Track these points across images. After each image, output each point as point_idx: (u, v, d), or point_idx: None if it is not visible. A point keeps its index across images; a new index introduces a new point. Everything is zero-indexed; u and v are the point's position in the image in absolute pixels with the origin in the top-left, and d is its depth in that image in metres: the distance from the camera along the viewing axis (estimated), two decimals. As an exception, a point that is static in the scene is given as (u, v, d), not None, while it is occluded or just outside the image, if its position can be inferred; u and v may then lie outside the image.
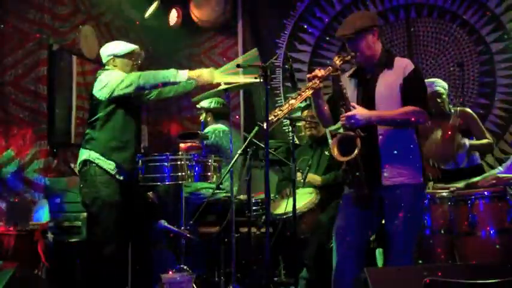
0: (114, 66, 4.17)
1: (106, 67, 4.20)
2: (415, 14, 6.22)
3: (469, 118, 4.61)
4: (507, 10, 5.83)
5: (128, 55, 4.21)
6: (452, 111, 4.63)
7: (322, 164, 4.70)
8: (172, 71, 3.99)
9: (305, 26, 6.66)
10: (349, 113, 3.08)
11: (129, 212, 4.08)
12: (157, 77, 3.97)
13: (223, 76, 4.09)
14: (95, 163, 3.97)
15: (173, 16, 6.71)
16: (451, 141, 4.51)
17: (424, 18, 6.19)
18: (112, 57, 4.18)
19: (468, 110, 4.71)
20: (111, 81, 3.95)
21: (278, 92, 6.67)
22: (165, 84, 4.03)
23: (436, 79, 4.79)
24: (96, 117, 4.03)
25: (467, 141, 4.49)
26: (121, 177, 4.03)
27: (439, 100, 4.61)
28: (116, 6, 6.36)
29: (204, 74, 4.06)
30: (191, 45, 7.12)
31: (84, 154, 4.02)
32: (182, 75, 3.99)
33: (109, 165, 4.00)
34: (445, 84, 4.70)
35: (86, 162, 3.99)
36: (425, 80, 4.68)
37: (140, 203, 4.29)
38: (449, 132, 4.53)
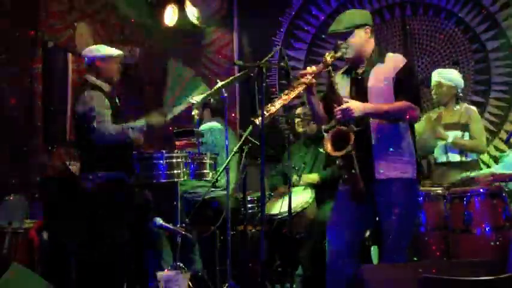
0: (98, 68, 4.17)
1: (88, 78, 4.19)
2: (411, 12, 6.22)
3: (471, 116, 4.61)
4: (502, 8, 5.83)
5: (113, 59, 4.21)
6: (458, 107, 4.65)
7: (318, 161, 4.71)
8: (138, 127, 4.11)
9: (301, 24, 6.66)
10: (343, 106, 3.08)
11: (130, 210, 4.10)
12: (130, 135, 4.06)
13: (172, 112, 4.30)
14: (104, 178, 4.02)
15: (169, 14, 6.69)
16: (432, 130, 4.56)
17: (419, 16, 6.19)
18: (96, 59, 4.18)
19: (473, 108, 4.72)
20: (100, 133, 3.98)
21: (274, 89, 6.67)
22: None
23: (444, 70, 4.81)
24: (86, 138, 4.03)
25: (451, 137, 4.51)
26: (128, 181, 4.08)
27: (437, 90, 4.64)
28: (111, 4, 6.34)
29: (154, 118, 4.18)
30: (187, 42, 7.10)
31: (89, 176, 4.03)
32: (141, 128, 4.11)
33: (117, 174, 4.05)
34: (452, 77, 4.69)
35: (93, 181, 4.02)
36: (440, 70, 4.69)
37: (137, 200, 4.29)
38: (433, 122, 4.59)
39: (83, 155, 4.18)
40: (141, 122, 4.10)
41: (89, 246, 4.32)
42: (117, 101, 4.30)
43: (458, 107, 4.66)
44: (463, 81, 4.74)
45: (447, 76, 4.67)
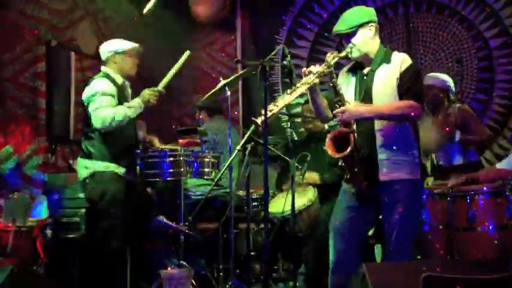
0: (114, 63, 4.18)
1: (102, 69, 4.20)
2: (414, 10, 6.22)
3: (466, 116, 4.62)
4: (506, 5, 5.82)
5: (129, 52, 4.22)
6: (450, 109, 4.66)
7: (320, 159, 4.70)
8: (135, 105, 4.09)
9: (304, 22, 6.66)
10: (342, 108, 3.08)
11: (131, 208, 4.11)
12: (128, 114, 4.04)
13: (162, 82, 4.21)
14: (105, 171, 4.03)
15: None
16: (440, 131, 4.55)
17: (422, 13, 6.18)
18: (113, 53, 4.19)
19: (466, 107, 4.73)
20: (98, 117, 3.97)
21: (277, 88, 6.67)
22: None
23: (436, 74, 4.81)
24: (93, 128, 4.04)
25: (458, 134, 4.52)
26: (129, 177, 4.10)
27: (429, 93, 4.65)
28: (114, 2, 6.35)
29: (146, 94, 4.14)
30: (190, 41, 7.10)
31: (91, 167, 4.04)
32: (137, 106, 4.10)
33: (119, 169, 4.07)
34: (443, 80, 4.70)
35: (96, 173, 4.03)
36: (431, 74, 4.71)
37: (139, 198, 4.30)
38: (440, 124, 4.58)
39: (84, 141, 4.17)
40: (135, 100, 4.10)
41: (88, 243, 4.34)
42: (127, 93, 4.29)
43: (450, 109, 4.67)
44: (453, 85, 4.75)
45: (438, 80, 4.69)
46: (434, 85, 4.67)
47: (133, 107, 4.05)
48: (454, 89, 4.75)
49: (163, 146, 4.38)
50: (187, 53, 4.32)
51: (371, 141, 3.16)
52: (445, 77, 4.75)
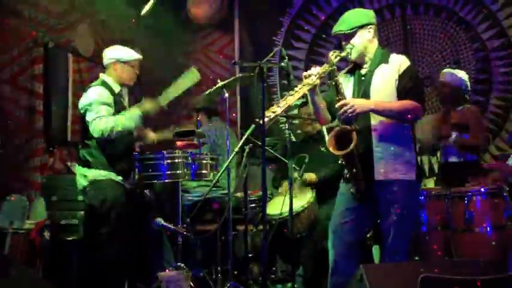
0: (114, 70, 4.17)
1: (101, 76, 4.20)
2: (411, 12, 6.22)
3: (470, 117, 4.62)
4: (503, 7, 5.83)
5: (131, 63, 4.21)
6: (460, 107, 4.66)
7: (318, 160, 4.70)
8: (134, 116, 4.03)
9: (301, 24, 6.67)
10: (346, 101, 3.07)
11: (130, 211, 4.11)
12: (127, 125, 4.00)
13: (165, 97, 4.15)
14: (104, 179, 4.02)
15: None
16: (439, 125, 4.59)
17: (420, 15, 6.19)
18: (114, 61, 4.17)
19: (474, 109, 4.72)
20: (96, 128, 3.94)
21: (275, 89, 6.67)
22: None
23: (453, 70, 4.81)
24: (90, 137, 4.04)
25: (454, 136, 4.53)
26: (128, 184, 4.10)
27: (442, 90, 4.65)
28: (112, 4, 6.34)
29: (147, 105, 4.10)
30: (188, 43, 7.11)
31: (90, 175, 4.03)
32: (137, 117, 4.04)
33: (117, 177, 4.06)
34: (458, 78, 4.68)
35: (95, 181, 4.03)
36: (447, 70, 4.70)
37: (138, 201, 4.30)
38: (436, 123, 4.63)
39: (82, 149, 4.17)
40: (134, 111, 4.07)
41: (86, 245, 4.34)
42: (125, 103, 4.28)
43: (460, 107, 4.67)
44: (468, 83, 4.74)
45: (453, 77, 4.68)
46: (450, 82, 4.66)
47: (133, 118, 4.03)
48: (469, 87, 4.75)
49: (157, 136, 4.36)
50: (197, 76, 4.28)
51: (367, 140, 3.16)
52: (461, 74, 4.75)
